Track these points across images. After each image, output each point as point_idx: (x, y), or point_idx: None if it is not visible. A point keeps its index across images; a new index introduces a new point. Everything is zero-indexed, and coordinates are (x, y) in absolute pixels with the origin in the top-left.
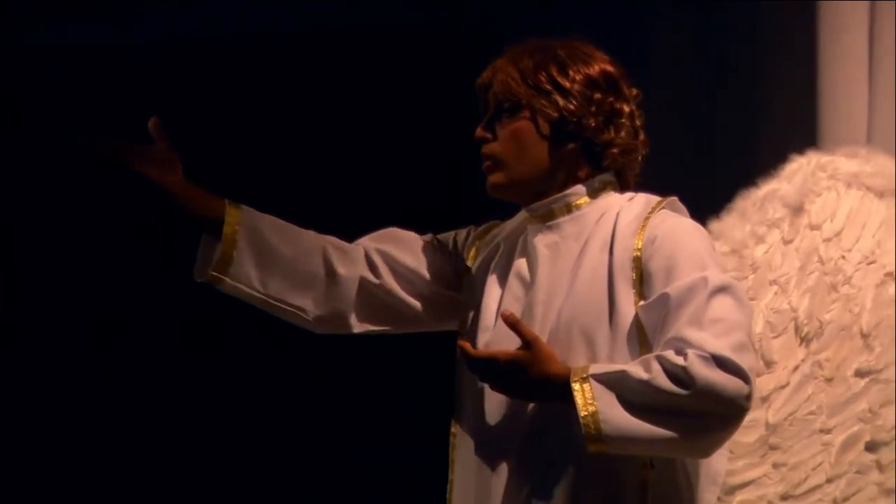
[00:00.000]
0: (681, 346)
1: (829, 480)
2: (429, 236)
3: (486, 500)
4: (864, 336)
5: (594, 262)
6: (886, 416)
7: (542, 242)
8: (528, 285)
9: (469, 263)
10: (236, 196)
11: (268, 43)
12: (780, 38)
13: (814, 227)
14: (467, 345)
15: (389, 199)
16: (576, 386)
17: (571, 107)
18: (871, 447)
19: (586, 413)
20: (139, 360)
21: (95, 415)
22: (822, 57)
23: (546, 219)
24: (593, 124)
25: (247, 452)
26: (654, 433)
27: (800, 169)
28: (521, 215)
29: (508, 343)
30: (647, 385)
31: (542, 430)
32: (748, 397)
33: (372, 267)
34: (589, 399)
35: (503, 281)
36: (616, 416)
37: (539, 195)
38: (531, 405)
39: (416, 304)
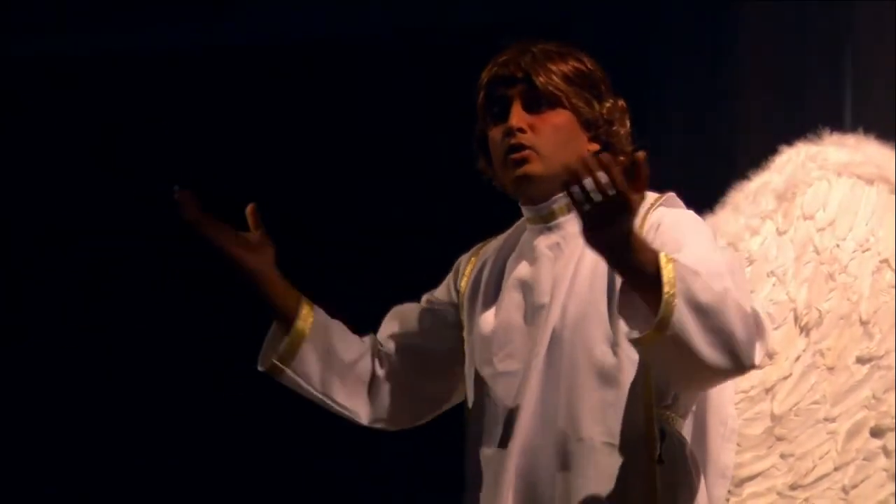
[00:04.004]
0: None
1: (836, 469)
2: (425, 296)
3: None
4: (864, 323)
5: (595, 259)
6: (890, 402)
7: (543, 244)
8: (529, 289)
9: (462, 286)
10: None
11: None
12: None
13: (807, 217)
14: None
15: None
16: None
17: (604, 111)
18: (877, 433)
19: (669, 292)
20: (139, 360)
21: (95, 415)
22: None
23: (547, 219)
24: (622, 132)
25: (247, 452)
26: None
27: (789, 160)
28: (515, 226)
29: (508, 351)
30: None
31: (549, 431)
32: None
33: (379, 358)
34: (671, 279)
35: (497, 291)
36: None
37: (556, 192)
38: (532, 411)
39: (437, 373)
